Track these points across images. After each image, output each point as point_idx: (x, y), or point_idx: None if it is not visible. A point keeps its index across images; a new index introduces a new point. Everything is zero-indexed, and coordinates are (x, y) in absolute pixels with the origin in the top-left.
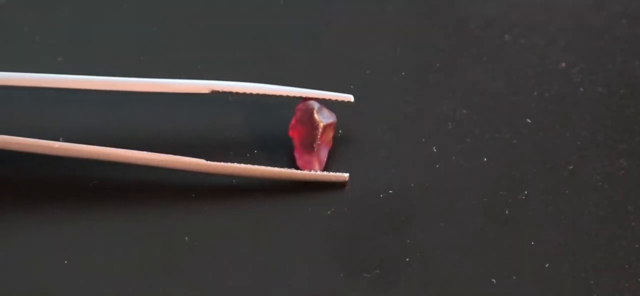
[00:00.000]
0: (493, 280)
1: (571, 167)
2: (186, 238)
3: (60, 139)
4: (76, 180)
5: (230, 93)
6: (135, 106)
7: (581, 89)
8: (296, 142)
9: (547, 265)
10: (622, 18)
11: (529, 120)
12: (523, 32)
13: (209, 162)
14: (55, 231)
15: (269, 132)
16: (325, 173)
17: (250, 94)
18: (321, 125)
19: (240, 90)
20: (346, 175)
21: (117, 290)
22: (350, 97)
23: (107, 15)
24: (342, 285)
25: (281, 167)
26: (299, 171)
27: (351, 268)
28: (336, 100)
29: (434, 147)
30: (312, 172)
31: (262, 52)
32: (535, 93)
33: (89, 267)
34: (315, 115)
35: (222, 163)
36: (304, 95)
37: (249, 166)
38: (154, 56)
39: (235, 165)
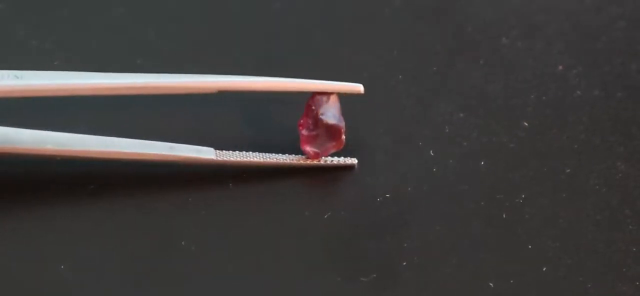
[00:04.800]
0: (490, 284)
1: (568, 171)
2: (183, 243)
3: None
4: (73, 183)
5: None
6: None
7: (578, 92)
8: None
9: (544, 269)
10: (620, 20)
11: (526, 124)
12: (520, 35)
13: (216, 151)
14: (51, 234)
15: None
16: (334, 159)
17: (259, 92)
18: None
19: (248, 88)
20: (355, 160)
21: (113, 294)
22: (359, 88)
23: (105, 18)
24: (340, 289)
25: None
26: (307, 160)
27: (349, 272)
28: (345, 94)
29: (431, 151)
30: (321, 162)
31: (258, 55)
32: (533, 96)
33: (85, 271)
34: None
35: (231, 152)
36: (312, 88)
37: (257, 154)
38: (153, 59)
39: (244, 154)
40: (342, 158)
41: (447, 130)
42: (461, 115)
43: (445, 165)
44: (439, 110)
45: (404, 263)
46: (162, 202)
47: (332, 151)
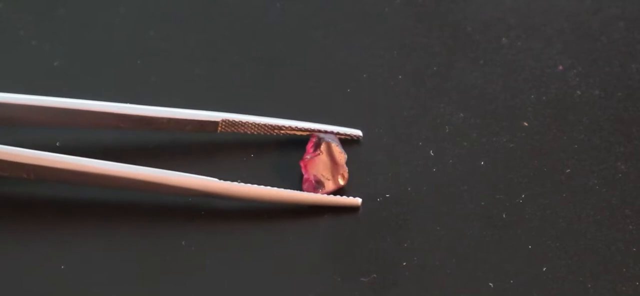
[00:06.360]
0: (490, 284)
1: (568, 171)
2: (183, 243)
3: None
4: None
5: (240, 124)
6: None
7: (578, 92)
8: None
9: (544, 269)
10: (619, 21)
11: (526, 124)
12: (520, 35)
13: (220, 182)
14: (52, 235)
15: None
16: (338, 197)
17: (260, 125)
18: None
19: (250, 122)
20: (359, 199)
21: (113, 293)
22: (358, 133)
23: (104, 19)
24: (340, 289)
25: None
26: (312, 194)
27: (349, 272)
28: (345, 135)
29: (431, 151)
30: (325, 196)
31: (258, 55)
32: (533, 96)
33: (85, 272)
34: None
35: (235, 184)
36: (313, 129)
37: (261, 188)
38: (153, 59)
39: (248, 186)
40: (345, 197)
41: (447, 130)
42: (461, 115)
43: (445, 165)
44: (439, 110)
45: (404, 263)
46: (162, 202)
47: (334, 188)
